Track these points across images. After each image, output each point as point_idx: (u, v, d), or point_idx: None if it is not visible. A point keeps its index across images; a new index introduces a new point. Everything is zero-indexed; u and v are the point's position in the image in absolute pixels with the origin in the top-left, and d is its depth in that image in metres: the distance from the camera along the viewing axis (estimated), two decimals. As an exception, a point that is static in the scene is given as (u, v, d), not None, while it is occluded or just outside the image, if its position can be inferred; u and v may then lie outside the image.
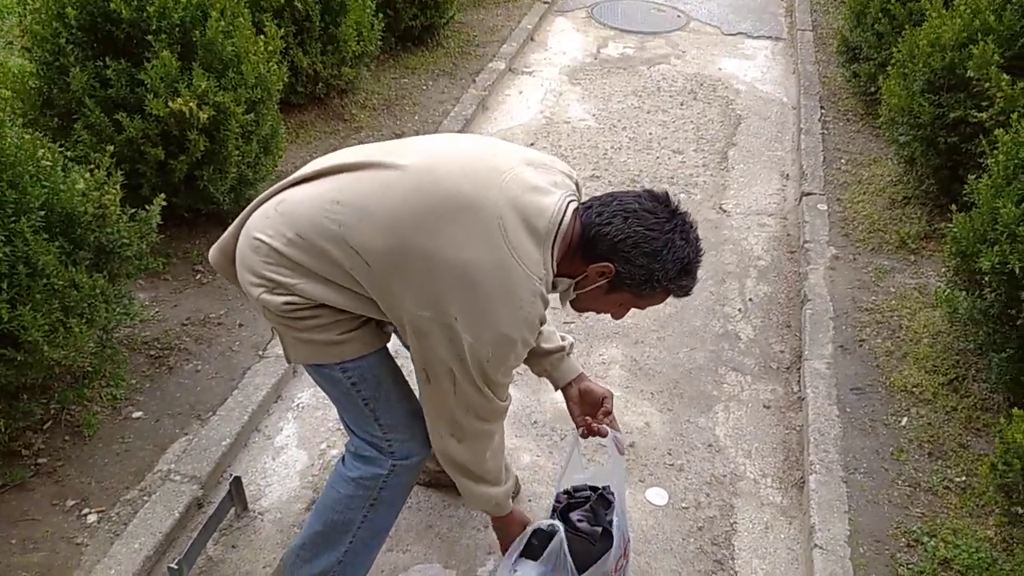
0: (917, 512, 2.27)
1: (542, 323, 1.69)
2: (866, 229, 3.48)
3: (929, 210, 3.48)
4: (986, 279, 2.40)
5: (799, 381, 2.78)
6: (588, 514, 1.93)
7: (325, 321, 1.61)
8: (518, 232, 1.49)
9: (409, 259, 1.50)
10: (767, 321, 3.08)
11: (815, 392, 2.65)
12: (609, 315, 1.74)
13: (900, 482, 2.37)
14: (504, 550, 1.97)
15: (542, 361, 1.92)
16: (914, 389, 2.67)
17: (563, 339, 1.94)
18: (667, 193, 1.62)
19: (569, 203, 1.57)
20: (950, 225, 2.65)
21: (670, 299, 1.67)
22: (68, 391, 2.35)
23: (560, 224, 1.53)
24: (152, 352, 2.72)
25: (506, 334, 1.51)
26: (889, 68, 3.62)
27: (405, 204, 1.51)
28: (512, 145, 1.71)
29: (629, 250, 1.55)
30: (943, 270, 2.91)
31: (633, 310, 1.75)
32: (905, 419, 2.57)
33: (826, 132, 4.28)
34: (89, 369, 2.36)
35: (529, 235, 1.51)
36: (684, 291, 1.64)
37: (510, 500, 1.89)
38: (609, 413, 1.92)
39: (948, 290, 2.66)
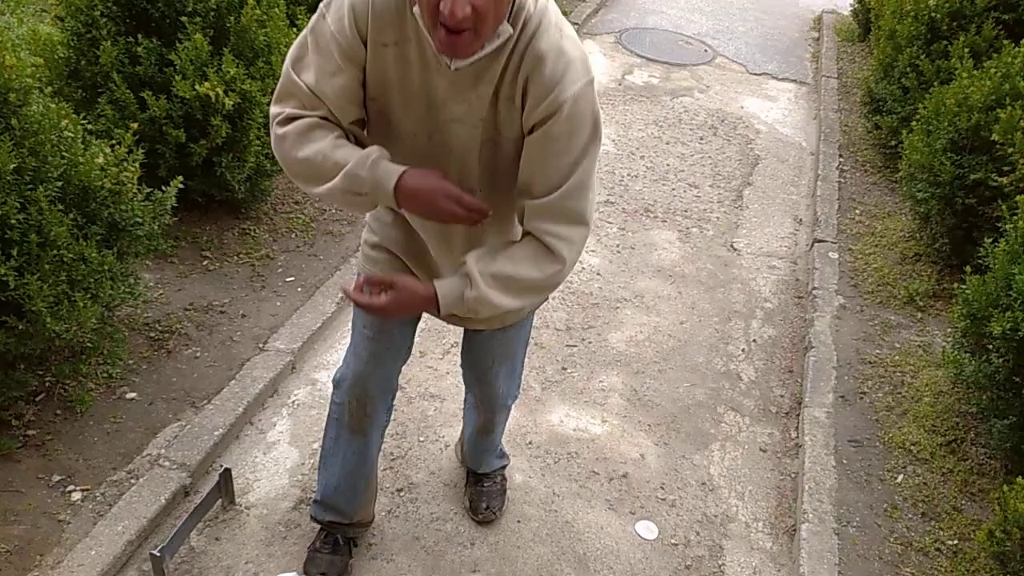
0: (907, 572, 2.25)
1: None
2: (875, 281, 3.48)
3: (940, 269, 3.48)
4: (994, 344, 2.39)
5: (797, 427, 2.76)
6: None
7: None
8: None
9: None
10: (770, 364, 3.06)
11: (813, 440, 2.64)
12: None
13: (892, 540, 2.35)
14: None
15: None
16: (912, 447, 2.65)
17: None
18: None
19: None
20: (960, 285, 2.65)
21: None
22: (64, 365, 2.32)
23: None
24: (152, 334, 2.70)
25: None
26: (913, 123, 3.63)
27: None
28: None
29: None
30: (950, 331, 2.90)
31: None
32: (901, 476, 2.56)
33: (843, 181, 4.29)
34: (88, 345, 2.34)
35: None
36: None
37: (360, 176, 1.43)
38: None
39: (954, 351, 2.64)
